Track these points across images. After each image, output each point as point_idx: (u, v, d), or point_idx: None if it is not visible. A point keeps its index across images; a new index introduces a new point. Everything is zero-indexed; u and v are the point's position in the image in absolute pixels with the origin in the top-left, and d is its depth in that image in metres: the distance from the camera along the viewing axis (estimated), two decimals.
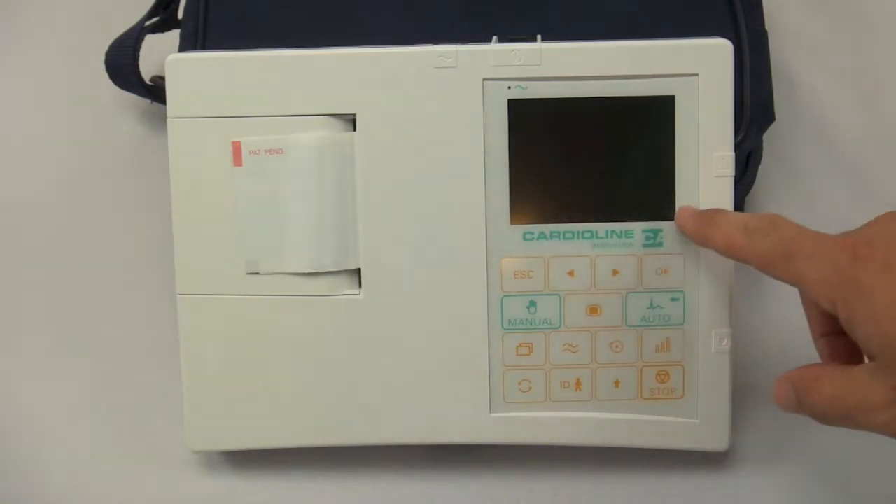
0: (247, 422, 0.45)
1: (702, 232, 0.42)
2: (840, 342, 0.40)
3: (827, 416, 0.37)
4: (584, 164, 0.44)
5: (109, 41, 0.53)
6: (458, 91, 0.43)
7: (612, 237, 0.44)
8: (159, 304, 0.49)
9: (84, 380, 0.51)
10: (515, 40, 0.44)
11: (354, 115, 0.44)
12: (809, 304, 0.41)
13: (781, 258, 0.37)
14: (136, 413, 0.50)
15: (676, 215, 0.44)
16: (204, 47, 0.51)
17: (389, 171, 0.44)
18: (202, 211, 0.44)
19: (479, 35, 0.44)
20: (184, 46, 0.51)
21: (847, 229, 0.37)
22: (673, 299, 0.44)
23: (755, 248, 0.38)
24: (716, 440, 0.45)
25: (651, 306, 0.44)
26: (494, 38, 0.44)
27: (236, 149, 0.44)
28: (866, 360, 0.36)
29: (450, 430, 0.45)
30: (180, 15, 0.53)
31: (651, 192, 0.44)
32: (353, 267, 0.44)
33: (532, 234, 0.44)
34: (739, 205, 0.51)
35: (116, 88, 0.53)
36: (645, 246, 0.44)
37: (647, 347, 0.45)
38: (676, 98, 0.43)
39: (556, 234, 0.44)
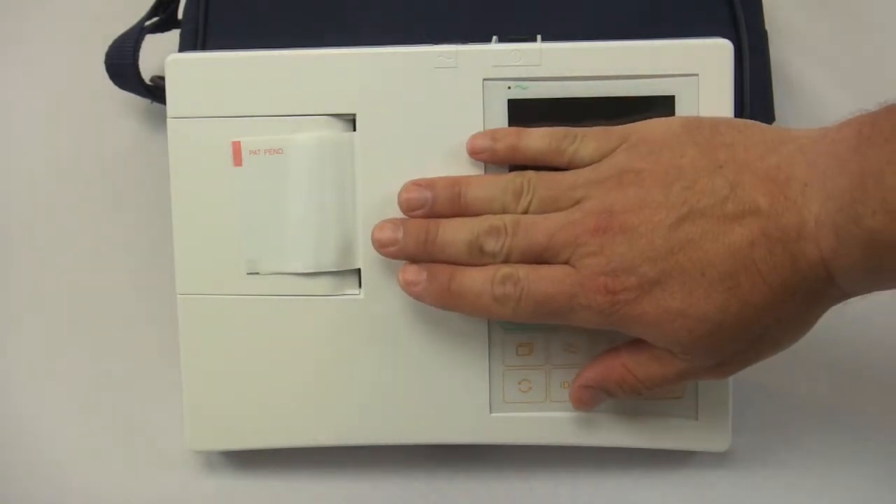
0: (247, 422, 0.45)
1: (442, 302, 0.41)
2: None
3: (650, 391, 0.41)
4: None
5: (109, 41, 0.53)
6: (458, 91, 0.43)
7: None
8: (159, 304, 0.49)
9: (84, 380, 0.51)
10: (515, 40, 0.44)
11: (354, 115, 0.44)
12: None
13: (547, 316, 0.39)
14: (136, 413, 0.50)
15: (403, 283, 0.41)
16: (204, 47, 0.51)
17: (389, 171, 0.44)
18: (202, 211, 0.44)
19: (479, 35, 0.44)
20: (184, 46, 0.51)
21: None
22: None
23: (518, 315, 0.40)
24: (716, 440, 0.45)
25: None
26: (494, 38, 0.44)
27: (236, 149, 0.44)
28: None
29: (450, 430, 0.45)
30: (180, 15, 0.53)
31: None
32: (353, 267, 0.44)
33: None
34: None
35: (116, 88, 0.53)
36: None
37: None
38: (676, 98, 0.43)
39: None
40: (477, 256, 0.40)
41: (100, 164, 0.55)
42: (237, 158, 0.44)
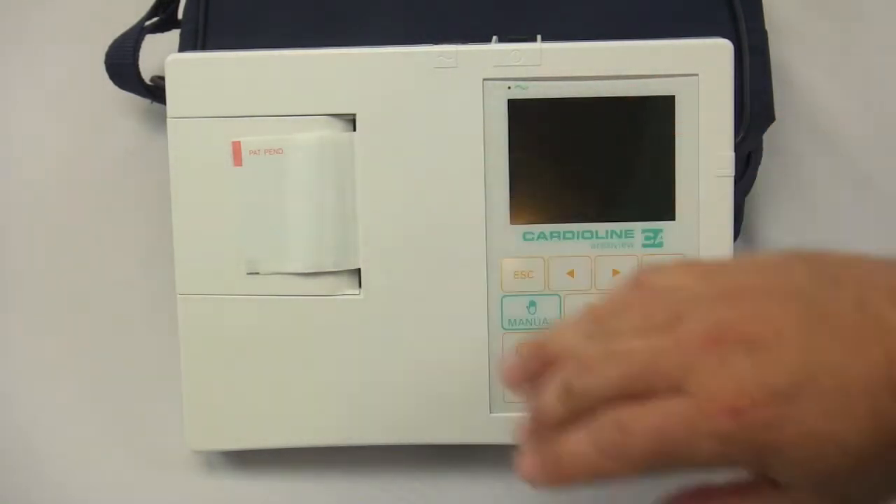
0: (247, 422, 0.45)
1: (556, 479, 0.35)
2: None
3: None
4: (584, 164, 0.44)
5: (109, 41, 0.53)
6: (458, 91, 0.43)
7: (612, 237, 0.44)
8: (159, 305, 0.49)
9: (84, 380, 0.51)
10: (515, 40, 0.44)
11: (354, 115, 0.44)
12: None
13: (664, 458, 0.33)
14: (136, 413, 0.50)
15: (521, 472, 0.36)
16: (204, 47, 0.51)
17: (389, 171, 0.44)
18: (202, 211, 0.44)
19: (479, 35, 0.44)
20: (184, 46, 0.51)
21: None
22: None
23: (630, 463, 0.34)
24: None
25: None
26: (494, 38, 0.44)
27: (236, 149, 0.44)
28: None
29: (450, 430, 0.45)
30: (180, 15, 0.53)
31: (651, 192, 0.44)
32: (353, 267, 0.44)
33: (532, 234, 0.44)
34: (739, 205, 0.51)
35: (116, 88, 0.53)
36: (645, 246, 0.44)
37: None
38: (676, 98, 0.43)
39: (556, 235, 0.44)
40: (570, 403, 0.34)
41: (100, 164, 0.55)
42: (237, 158, 0.44)
